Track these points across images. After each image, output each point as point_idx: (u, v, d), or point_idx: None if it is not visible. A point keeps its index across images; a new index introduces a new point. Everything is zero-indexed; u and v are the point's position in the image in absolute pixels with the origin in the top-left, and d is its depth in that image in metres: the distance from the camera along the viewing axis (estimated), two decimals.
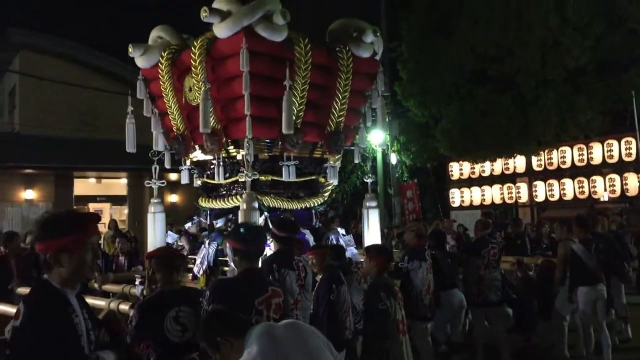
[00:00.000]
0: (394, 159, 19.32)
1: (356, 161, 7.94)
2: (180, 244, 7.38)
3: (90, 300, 6.52)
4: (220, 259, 6.66)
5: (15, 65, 20.65)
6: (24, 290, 6.96)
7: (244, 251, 3.48)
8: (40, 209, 17.52)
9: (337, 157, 7.16)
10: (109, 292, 7.12)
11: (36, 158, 16.76)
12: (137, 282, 6.51)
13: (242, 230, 3.64)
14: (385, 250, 4.97)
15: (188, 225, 10.03)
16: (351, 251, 6.97)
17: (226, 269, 6.81)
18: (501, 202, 17.77)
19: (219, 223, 6.92)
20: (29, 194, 17.46)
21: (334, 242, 6.80)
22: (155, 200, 7.38)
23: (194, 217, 10.08)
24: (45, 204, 17.66)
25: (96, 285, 7.29)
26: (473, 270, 6.84)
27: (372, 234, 7.20)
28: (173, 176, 12.67)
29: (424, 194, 20.79)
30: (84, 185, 18.85)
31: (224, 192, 6.89)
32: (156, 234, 7.22)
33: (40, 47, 19.97)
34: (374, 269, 4.45)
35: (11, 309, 5.36)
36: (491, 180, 17.95)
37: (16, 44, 20.11)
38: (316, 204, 7.12)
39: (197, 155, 7.10)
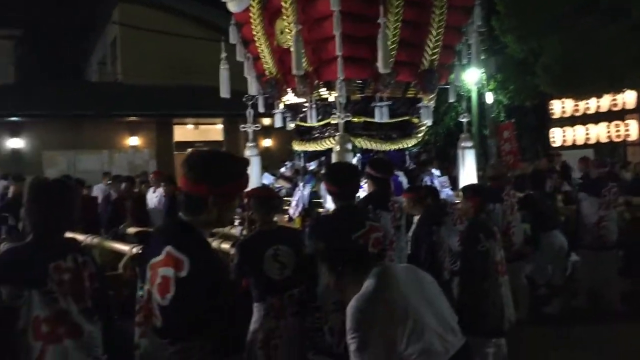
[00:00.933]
0: (490, 98, 18.59)
1: (451, 100, 7.71)
2: (277, 185, 7.54)
3: None
4: (315, 200, 6.77)
5: (115, 17, 21.48)
6: (133, 229, 7.43)
7: (339, 192, 3.53)
8: (144, 155, 18.51)
9: (431, 97, 6.97)
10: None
11: (138, 106, 17.57)
12: (236, 223, 6.75)
13: (335, 171, 3.67)
14: (482, 189, 4.85)
15: (283, 169, 10.26)
16: (446, 192, 6.86)
17: (321, 210, 6.91)
18: (607, 140, 16.75)
19: (313, 165, 6.99)
20: (134, 141, 18.42)
21: (429, 183, 6.70)
22: (251, 144, 7.54)
23: (288, 162, 10.26)
24: (149, 150, 18.62)
25: None
26: (591, 211, 6.52)
27: (468, 175, 7.02)
28: (266, 121, 12.88)
29: (521, 134, 19.92)
30: (182, 132, 19.60)
31: (317, 135, 6.91)
32: (252, 177, 7.39)
33: None
34: (471, 209, 4.34)
35: (123, 247, 5.73)
36: (596, 117, 16.92)
37: None
38: (409, 145, 7.01)
39: (290, 98, 7.14)
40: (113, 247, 5.82)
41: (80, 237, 5.84)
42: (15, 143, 17.23)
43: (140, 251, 2.48)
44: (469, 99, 16.89)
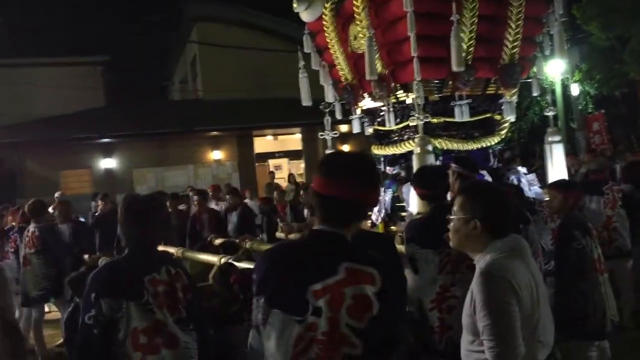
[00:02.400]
0: (575, 89, 17.78)
1: (534, 94, 7.40)
2: None
3: None
4: (397, 204, 6.68)
5: (193, 37, 22.28)
6: (219, 241, 7.61)
7: (429, 195, 3.52)
8: (227, 168, 19.03)
9: (513, 92, 6.71)
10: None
11: (219, 121, 18.11)
12: None
13: (424, 174, 3.67)
14: (575, 184, 4.61)
15: None
16: (534, 190, 6.58)
17: (403, 214, 6.81)
18: None
19: (393, 170, 6.91)
20: (216, 155, 18.98)
21: (515, 182, 6.46)
22: (330, 151, 7.54)
23: None
24: (231, 163, 19.12)
25: (282, 235, 7.73)
26: None
27: (557, 171, 6.70)
28: (344, 127, 12.92)
29: (613, 125, 18.93)
30: (262, 143, 20.01)
31: (396, 138, 6.82)
32: None
33: (213, 16, 21.32)
34: (564, 205, 4.13)
35: (211, 258, 5.88)
36: None
37: (192, 17, 21.64)
38: (492, 143, 6.77)
39: (367, 103, 7.10)
40: (202, 258, 5.98)
41: (171, 249, 6.05)
42: (108, 163, 18.18)
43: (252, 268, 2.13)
44: (552, 91, 16.23)
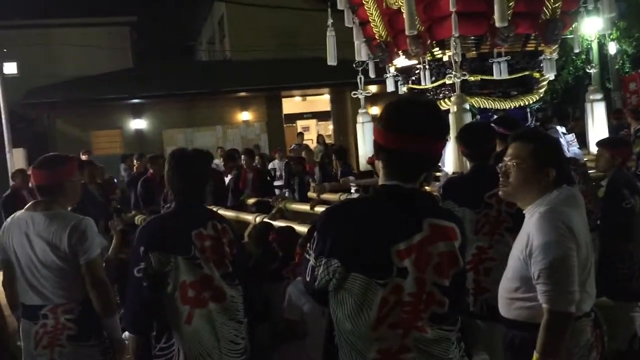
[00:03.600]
0: (612, 48, 17.21)
1: (576, 50, 7.19)
2: None
3: (321, 209, 6.96)
4: None
5: None
6: (252, 200, 7.67)
7: (473, 154, 3.43)
8: (255, 129, 19.03)
9: (553, 48, 6.54)
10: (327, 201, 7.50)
11: (247, 82, 18.02)
12: (352, 190, 6.78)
13: (469, 132, 3.56)
14: (623, 142, 4.48)
15: None
16: (573, 150, 6.45)
17: (438, 174, 6.75)
18: None
19: None
20: (245, 116, 18.96)
21: None
22: (363, 111, 7.50)
23: None
24: (259, 124, 19.10)
25: (314, 195, 7.73)
26: None
27: (598, 130, 6.55)
28: (373, 88, 12.76)
29: None
30: (291, 104, 19.91)
31: (432, 97, 6.72)
32: (366, 144, 7.38)
33: None
34: (612, 163, 4.02)
35: (246, 217, 5.92)
36: None
37: None
38: (531, 102, 6.63)
39: (401, 61, 6.98)
40: (238, 216, 6.02)
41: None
42: (138, 124, 18.31)
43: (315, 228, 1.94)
44: (588, 50, 15.76)
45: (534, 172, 2.33)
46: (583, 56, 16.90)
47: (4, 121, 12.37)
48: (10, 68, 16.26)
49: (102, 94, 17.06)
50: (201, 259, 2.62)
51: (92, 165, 8.68)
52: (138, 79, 18.09)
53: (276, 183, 10.60)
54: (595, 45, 15.98)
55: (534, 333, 2.22)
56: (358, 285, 1.80)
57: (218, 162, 11.06)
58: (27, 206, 3.17)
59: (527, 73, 6.55)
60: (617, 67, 17.66)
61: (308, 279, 1.90)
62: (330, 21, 7.47)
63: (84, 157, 10.88)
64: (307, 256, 1.91)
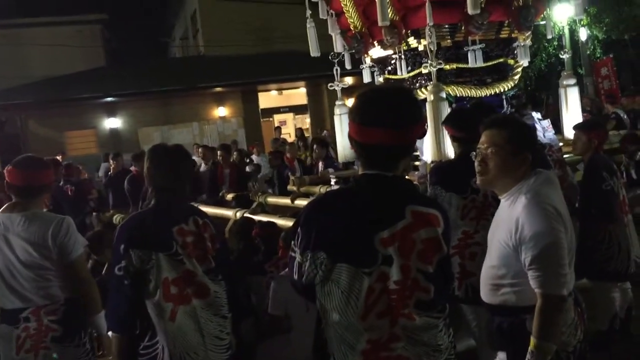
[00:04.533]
0: (583, 34, 17.41)
1: (549, 37, 7.23)
2: None
3: (302, 202, 6.95)
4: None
5: None
6: (231, 195, 7.62)
7: (462, 137, 3.44)
8: (232, 125, 18.92)
9: (527, 35, 6.55)
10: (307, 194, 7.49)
11: (223, 77, 17.88)
12: (332, 182, 6.77)
13: (460, 115, 3.58)
14: (599, 124, 4.52)
15: None
16: (549, 136, 6.50)
17: (417, 163, 6.77)
18: None
19: None
20: (221, 111, 18.84)
21: None
22: (340, 102, 7.47)
23: None
24: (236, 119, 18.99)
25: (294, 188, 7.71)
26: None
27: (572, 115, 6.61)
28: (350, 80, 12.74)
29: (621, 70, 18.63)
30: (267, 99, 19.83)
31: (408, 86, 6.71)
32: (344, 136, 7.35)
33: None
34: (589, 146, 4.05)
35: (226, 212, 5.88)
36: None
37: None
38: (506, 89, 6.66)
39: (377, 51, 6.95)
40: (217, 212, 5.98)
41: None
42: (113, 123, 18.09)
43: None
44: (560, 37, 15.92)
45: (511, 158, 2.34)
46: (555, 43, 17.08)
47: None
48: None
49: (75, 94, 16.83)
50: (183, 255, 2.59)
51: (69, 167, 8.59)
52: (111, 78, 17.88)
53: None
54: (566, 32, 16.16)
55: (521, 317, 2.24)
56: (344, 276, 1.80)
57: (196, 159, 10.96)
58: (2, 208, 3.10)
59: (501, 60, 6.56)
60: (588, 52, 17.88)
61: (296, 276, 1.88)
62: (308, 12, 7.41)
63: (59, 159, 10.72)
64: (292, 253, 1.89)
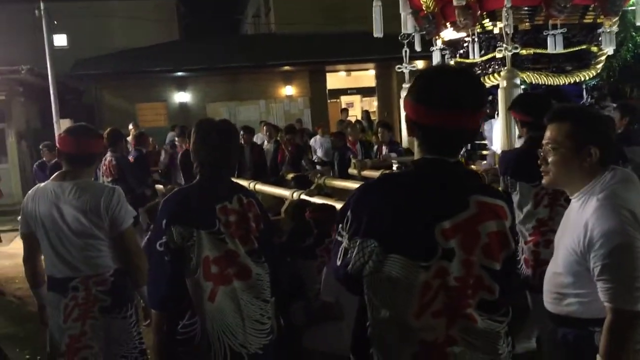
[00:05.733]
0: None
1: (638, 24, 6.71)
2: None
3: (352, 185, 6.79)
4: (478, 142, 6.35)
5: None
6: (291, 175, 7.54)
7: (529, 122, 3.22)
8: (299, 104, 18.87)
9: (614, 21, 6.11)
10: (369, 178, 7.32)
11: (292, 56, 17.82)
12: (394, 168, 6.57)
13: (530, 100, 3.39)
14: None
15: None
16: None
17: (485, 152, 6.47)
18: None
19: None
20: (288, 90, 18.81)
21: None
22: (407, 85, 7.22)
23: None
24: (303, 99, 18.93)
25: (355, 172, 7.56)
26: None
27: None
28: (420, 63, 12.40)
29: None
30: (335, 79, 19.64)
31: (480, 71, 6.41)
32: None
33: None
34: None
35: (284, 192, 5.79)
36: None
37: None
38: (587, 78, 6.25)
39: (449, 33, 6.68)
40: (275, 192, 5.91)
41: (243, 182, 6.00)
42: (182, 97, 18.39)
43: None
44: None
45: (573, 154, 2.09)
46: None
47: (52, 92, 12.57)
48: (60, 40, 16.46)
49: (147, 67, 17.17)
50: (225, 234, 2.48)
51: (141, 136, 8.74)
52: (183, 52, 18.13)
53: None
54: None
55: (589, 329, 2.02)
56: (398, 268, 1.62)
57: (262, 136, 10.98)
58: (53, 176, 3.10)
59: (583, 47, 6.17)
60: None
61: (339, 262, 1.71)
62: None
63: (132, 130, 10.96)
64: (338, 238, 1.72)
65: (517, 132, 5.28)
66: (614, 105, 6.54)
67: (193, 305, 2.52)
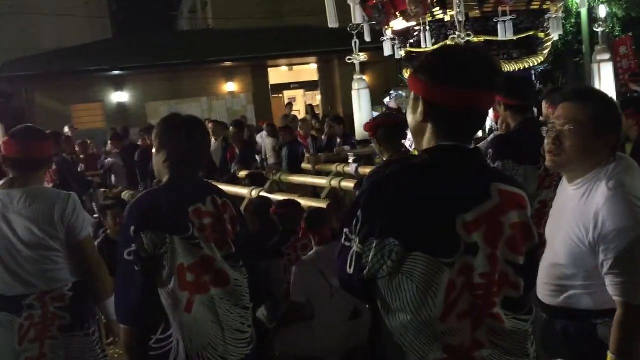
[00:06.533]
0: (602, 11, 16.88)
1: (582, 10, 6.87)
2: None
3: (311, 180, 6.66)
4: None
5: None
6: (244, 172, 7.33)
7: (520, 105, 3.13)
8: (241, 100, 18.56)
9: (559, 6, 6.22)
10: (322, 172, 7.20)
11: (232, 51, 17.48)
12: (350, 160, 6.48)
13: (515, 82, 3.28)
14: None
15: (387, 99, 9.80)
16: None
17: None
18: None
19: None
20: (230, 87, 18.47)
21: None
22: (358, 77, 7.16)
23: (392, 92, 9.72)
24: (245, 95, 18.64)
25: (309, 166, 7.43)
26: None
27: (606, 91, 6.27)
28: (362, 57, 12.35)
29: None
30: (277, 74, 19.42)
31: None
32: (362, 111, 7.05)
33: None
34: (634, 128, 3.75)
35: (241, 190, 5.60)
36: None
37: None
38: (535, 64, 6.34)
39: (399, 23, 6.63)
40: (231, 190, 5.69)
41: None
42: (120, 97, 17.76)
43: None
44: (578, 13, 15.51)
45: (593, 139, 1.97)
46: (573, 20, 16.65)
47: None
48: None
49: (81, 66, 16.46)
50: (200, 238, 2.29)
51: (81, 142, 8.37)
52: (119, 50, 17.49)
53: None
54: (584, 11, 15.67)
55: (592, 321, 1.95)
56: (420, 267, 1.47)
57: None
58: None
59: (531, 33, 6.25)
60: (607, 30, 17.39)
61: (351, 270, 1.53)
62: None
63: (68, 132, 10.46)
64: (346, 243, 1.55)
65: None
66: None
67: (167, 317, 2.33)
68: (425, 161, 1.57)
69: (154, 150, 2.43)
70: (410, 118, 1.63)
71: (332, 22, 6.87)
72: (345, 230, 1.55)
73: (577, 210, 2.00)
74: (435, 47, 6.21)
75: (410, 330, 1.49)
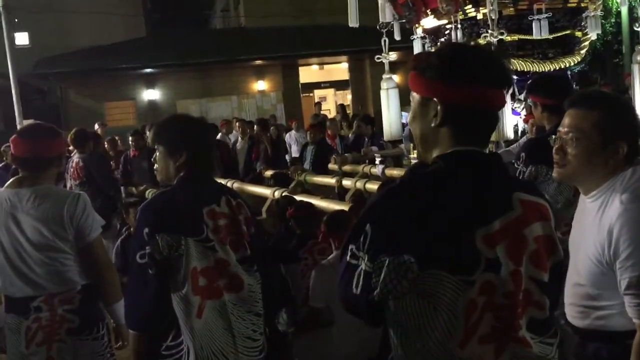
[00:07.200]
0: None
1: (623, 8, 6.61)
2: None
3: (347, 182, 6.54)
4: None
5: None
6: (270, 172, 7.25)
7: (554, 105, 2.98)
8: (271, 99, 18.55)
9: (597, 4, 5.98)
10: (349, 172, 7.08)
11: (263, 50, 17.47)
12: (377, 162, 6.35)
13: (550, 81, 3.16)
14: None
15: None
16: None
17: None
18: None
19: None
20: (261, 85, 18.48)
21: None
22: (387, 76, 6.98)
23: None
24: (276, 94, 18.62)
25: (335, 167, 7.31)
26: None
27: None
28: (392, 56, 12.16)
29: None
30: (307, 73, 19.37)
31: None
32: (391, 111, 6.89)
33: None
34: None
35: (264, 191, 5.52)
36: None
37: None
38: (572, 64, 6.12)
39: (430, 21, 6.47)
40: (254, 190, 5.63)
41: (221, 181, 5.71)
42: (151, 94, 17.92)
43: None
44: (618, 13, 15.07)
45: (599, 149, 1.83)
46: (613, 20, 16.20)
47: (13, 92, 12.07)
48: (22, 38, 15.84)
49: (114, 64, 16.67)
50: (215, 240, 2.21)
51: (110, 139, 8.38)
52: (151, 49, 17.65)
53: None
54: (625, 10, 15.19)
55: (624, 343, 1.80)
56: (438, 287, 1.32)
57: (236, 133, 10.65)
58: (7, 183, 2.76)
59: (568, 32, 6.03)
60: None
61: (357, 290, 1.36)
62: None
63: (99, 130, 10.55)
64: (352, 260, 1.38)
65: (507, 121, 5.12)
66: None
67: (178, 323, 2.24)
68: (440, 169, 1.42)
69: (159, 152, 2.34)
70: (417, 124, 1.48)
71: (353, 22, 6.72)
72: (351, 246, 1.39)
73: (593, 226, 1.85)
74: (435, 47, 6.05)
75: (425, 358, 1.35)
